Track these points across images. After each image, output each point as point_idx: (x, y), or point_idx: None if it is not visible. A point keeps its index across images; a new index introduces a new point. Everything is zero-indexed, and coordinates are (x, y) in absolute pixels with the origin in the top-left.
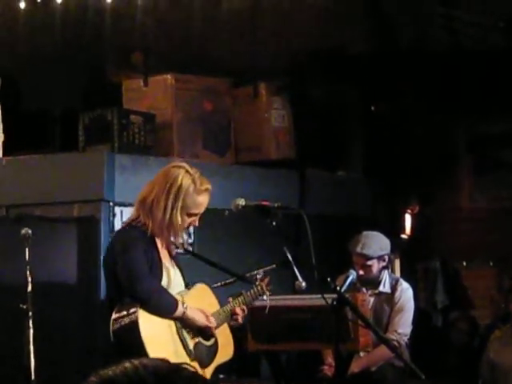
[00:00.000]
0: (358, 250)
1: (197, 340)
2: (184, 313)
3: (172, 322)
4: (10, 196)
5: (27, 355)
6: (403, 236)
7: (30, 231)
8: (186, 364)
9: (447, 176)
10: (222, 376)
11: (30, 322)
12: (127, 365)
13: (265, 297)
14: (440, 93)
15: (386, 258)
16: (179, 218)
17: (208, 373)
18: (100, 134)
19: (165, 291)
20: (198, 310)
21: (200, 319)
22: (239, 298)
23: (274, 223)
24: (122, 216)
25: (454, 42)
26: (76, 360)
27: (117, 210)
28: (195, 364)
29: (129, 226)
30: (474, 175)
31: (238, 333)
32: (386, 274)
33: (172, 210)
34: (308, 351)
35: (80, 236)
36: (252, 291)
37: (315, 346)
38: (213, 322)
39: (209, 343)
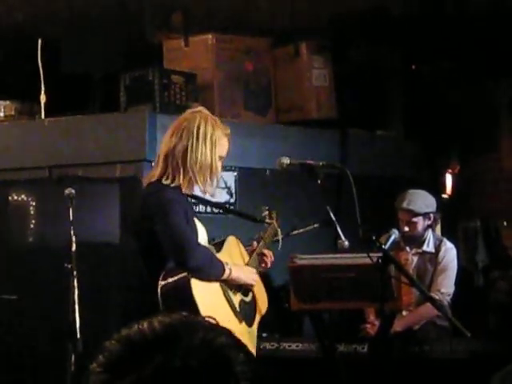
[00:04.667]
0: (404, 205)
1: (240, 298)
2: (230, 274)
3: (218, 285)
4: (52, 157)
5: (72, 314)
6: (444, 196)
7: (73, 191)
8: (237, 328)
9: (488, 136)
10: (264, 335)
11: (75, 281)
12: (144, 323)
13: (278, 232)
14: (481, 54)
15: (432, 216)
16: (219, 164)
17: (255, 329)
18: (141, 94)
19: (213, 256)
20: (241, 268)
21: (245, 277)
22: (262, 241)
23: (318, 181)
24: None
25: (496, 3)
26: (119, 319)
27: None
28: (244, 325)
29: (159, 185)
30: None
31: (281, 292)
32: (430, 234)
33: (212, 155)
34: (351, 310)
35: (122, 196)
36: (268, 231)
37: (358, 305)
38: (257, 277)
39: (248, 299)
